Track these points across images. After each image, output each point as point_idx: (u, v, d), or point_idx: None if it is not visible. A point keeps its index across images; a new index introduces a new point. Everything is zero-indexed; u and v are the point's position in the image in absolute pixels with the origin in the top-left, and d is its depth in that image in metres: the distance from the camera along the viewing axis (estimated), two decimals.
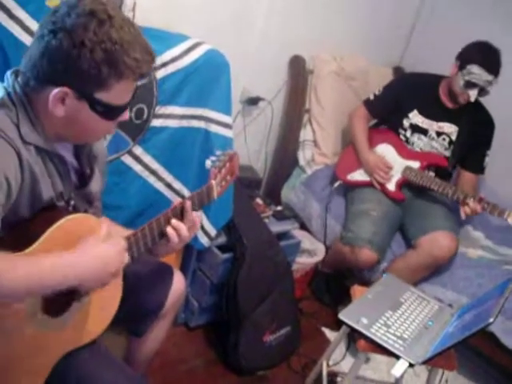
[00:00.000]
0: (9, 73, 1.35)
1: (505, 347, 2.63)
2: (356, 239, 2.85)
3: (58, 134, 1.36)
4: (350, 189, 3.23)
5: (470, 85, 2.88)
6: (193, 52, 2.18)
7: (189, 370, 2.57)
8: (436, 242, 2.81)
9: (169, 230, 1.55)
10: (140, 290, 1.74)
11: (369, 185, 3.13)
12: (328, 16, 3.42)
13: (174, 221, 1.56)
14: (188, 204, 1.58)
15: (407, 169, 3.08)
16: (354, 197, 3.16)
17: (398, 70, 4.01)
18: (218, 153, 1.79)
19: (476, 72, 2.84)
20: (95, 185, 1.55)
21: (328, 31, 3.47)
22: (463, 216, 2.85)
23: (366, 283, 2.85)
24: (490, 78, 2.83)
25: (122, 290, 1.59)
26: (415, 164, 3.08)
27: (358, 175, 3.19)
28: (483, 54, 2.87)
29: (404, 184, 3.10)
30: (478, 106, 3.10)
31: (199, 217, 1.64)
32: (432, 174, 3.09)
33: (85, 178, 1.52)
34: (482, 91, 2.90)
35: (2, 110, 1.26)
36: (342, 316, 1.93)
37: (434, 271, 2.88)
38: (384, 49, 3.98)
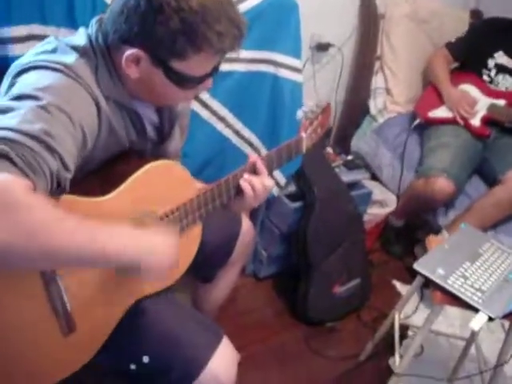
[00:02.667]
0: (94, 20, 1.29)
1: None
2: (431, 169, 2.77)
3: (134, 92, 1.31)
4: (427, 128, 3.12)
5: None
6: None
7: (258, 320, 2.57)
8: None
9: (243, 183, 1.48)
10: (208, 235, 1.71)
11: (451, 122, 3.02)
12: None
13: (248, 175, 1.48)
14: (258, 162, 1.50)
15: (492, 105, 2.97)
16: (431, 134, 3.06)
17: (475, 14, 3.79)
18: (311, 103, 1.69)
19: None
20: (173, 144, 1.51)
21: None
22: None
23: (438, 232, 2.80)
24: None
25: None
26: (501, 102, 2.96)
27: (440, 112, 3.08)
28: None
29: (488, 122, 2.98)
30: None
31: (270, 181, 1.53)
32: None
33: (163, 135, 1.48)
34: None
35: (83, 59, 1.21)
36: (417, 266, 1.85)
37: None
38: None
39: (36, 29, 1.73)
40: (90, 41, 1.24)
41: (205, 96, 2.09)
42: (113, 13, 1.20)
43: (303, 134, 1.62)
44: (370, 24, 3.27)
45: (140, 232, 1.16)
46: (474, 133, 2.96)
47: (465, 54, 3.17)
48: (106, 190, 1.24)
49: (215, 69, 1.29)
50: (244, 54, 2.12)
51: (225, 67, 2.09)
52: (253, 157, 1.52)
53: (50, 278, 1.16)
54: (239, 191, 1.49)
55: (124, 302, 1.37)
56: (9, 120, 1.01)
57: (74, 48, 1.21)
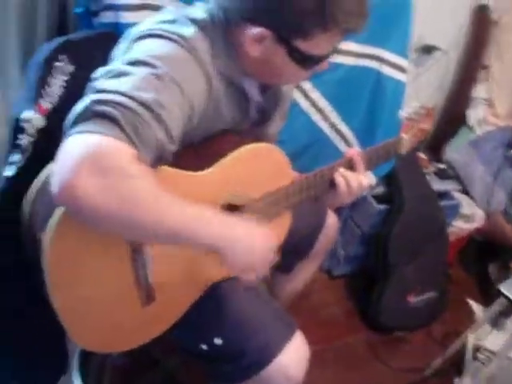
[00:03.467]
0: None
1: None
2: None
3: (247, 70, 1.29)
4: None
5: None
6: None
7: (326, 318, 2.55)
8: None
9: (338, 176, 1.45)
10: (293, 224, 1.68)
11: None
12: None
13: (344, 170, 1.45)
14: (356, 158, 1.47)
15: None
16: None
17: None
18: (415, 105, 1.65)
19: None
20: (273, 126, 1.49)
21: None
22: None
23: None
24: None
25: None
26: None
27: None
28: None
29: None
30: None
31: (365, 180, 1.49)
32: None
33: (265, 116, 1.45)
34: None
35: (201, 32, 1.19)
36: (503, 288, 1.78)
37: None
38: None
39: None
40: (210, 15, 1.23)
41: (307, 86, 2.07)
42: None
43: (404, 135, 1.58)
44: (481, 30, 3.15)
45: (233, 222, 1.15)
46: None
47: None
48: (201, 165, 1.23)
49: (335, 49, 1.26)
50: (352, 46, 2.08)
51: (332, 58, 2.05)
52: (351, 151, 1.49)
53: (138, 247, 1.17)
54: (333, 185, 1.46)
55: (203, 281, 1.37)
56: (122, 84, 1.01)
57: (193, 21, 1.20)
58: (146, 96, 1.01)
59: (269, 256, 1.22)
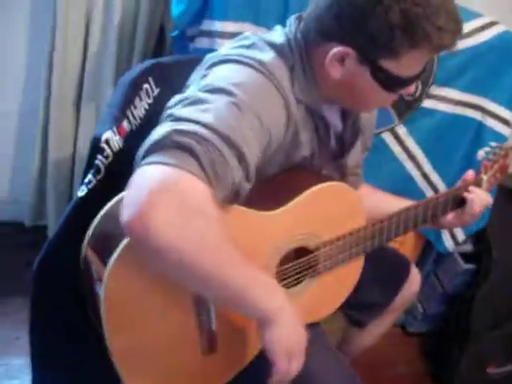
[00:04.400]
0: (293, 18, 1.22)
1: None
2: None
3: (327, 95, 1.21)
4: None
5: None
6: (486, 31, 1.93)
7: (394, 377, 2.38)
8: None
9: (468, 194, 1.46)
10: (372, 278, 1.56)
11: None
12: None
13: (474, 187, 1.47)
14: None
15: None
16: None
17: None
18: (493, 144, 1.57)
19: None
20: (353, 157, 1.39)
21: None
22: None
23: None
24: None
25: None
26: None
27: None
28: None
29: None
30: None
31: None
32: None
33: (344, 146, 1.36)
34: None
35: (280, 57, 1.13)
36: None
37: None
38: None
39: (247, 27, 1.72)
40: (288, 39, 1.16)
41: (401, 130, 1.98)
42: (318, 8, 1.12)
43: (484, 176, 1.52)
44: None
45: (282, 292, 1.06)
46: None
47: None
48: (272, 204, 1.16)
49: (423, 70, 1.17)
50: (452, 94, 1.98)
51: (429, 104, 1.98)
52: (471, 172, 1.52)
53: None
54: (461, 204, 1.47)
55: None
56: (202, 114, 0.96)
57: (271, 45, 1.15)
58: (228, 130, 0.95)
59: (302, 353, 1.08)
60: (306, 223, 1.22)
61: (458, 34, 1.10)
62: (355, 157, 1.40)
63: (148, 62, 1.40)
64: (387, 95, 1.19)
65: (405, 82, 1.16)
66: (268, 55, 1.12)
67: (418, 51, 1.08)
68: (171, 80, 1.35)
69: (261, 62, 1.09)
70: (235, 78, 1.05)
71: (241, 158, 0.97)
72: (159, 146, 0.91)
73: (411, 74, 1.15)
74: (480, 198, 1.45)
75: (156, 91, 1.35)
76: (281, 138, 1.13)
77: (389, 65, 1.10)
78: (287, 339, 1.03)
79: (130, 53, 2.07)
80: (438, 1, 1.05)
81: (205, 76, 1.10)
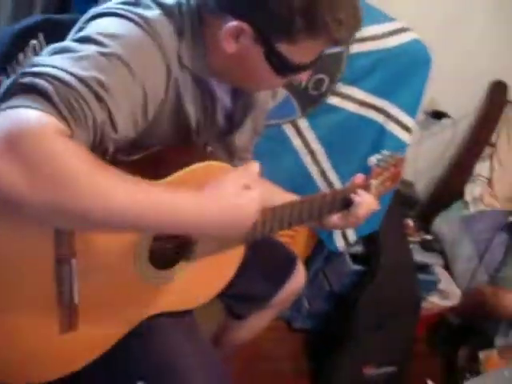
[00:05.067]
0: None
1: None
2: (504, 280, 2.57)
3: (217, 67, 1.15)
4: None
5: None
6: (396, 36, 1.94)
7: (274, 372, 2.37)
8: None
9: (355, 197, 1.44)
10: (256, 270, 1.55)
11: None
12: None
13: (360, 190, 1.46)
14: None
15: None
16: None
17: None
18: (386, 152, 1.58)
19: None
20: (241, 137, 1.34)
21: None
22: None
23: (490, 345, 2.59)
24: None
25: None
26: None
27: None
28: None
29: None
30: None
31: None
32: None
33: (233, 124, 1.31)
34: None
35: (167, 18, 1.06)
36: None
37: None
38: None
39: None
40: (180, 3, 1.10)
41: (303, 124, 1.95)
42: None
43: (373, 181, 1.52)
44: (494, 107, 3.06)
45: (206, 199, 1.01)
46: None
47: None
48: (151, 176, 1.05)
49: (316, 60, 1.14)
50: (358, 94, 1.98)
51: (334, 101, 1.96)
52: (360, 176, 1.51)
53: (63, 257, 1.00)
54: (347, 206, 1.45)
55: (137, 314, 1.22)
56: (62, 60, 0.89)
57: (160, 4, 1.07)
58: (88, 73, 0.88)
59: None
60: None
61: (355, 30, 1.08)
62: (244, 137, 1.35)
63: (38, 17, 1.30)
64: (277, 79, 1.14)
65: (297, 69, 1.12)
66: (153, 12, 1.04)
67: (314, 40, 1.05)
68: (63, 37, 1.26)
69: (144, 18, 1.02)
70: (111, 29, 0.98)
71: (101, 99, 0.90)
72: (9, 92, 0.84)
73: (304, 62, 1.11)
74: (366, 203, 1.45)
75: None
76: (160, 94, 1.06)
77: (283, 48, 1.06)
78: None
79: (28, 12, 1.95)
80: None
81: (81, 29, 1.03)
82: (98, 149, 0.94)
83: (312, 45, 1.07)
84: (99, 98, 0.89)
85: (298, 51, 1.07)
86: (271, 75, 1.12)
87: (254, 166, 1.13)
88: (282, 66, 1.10)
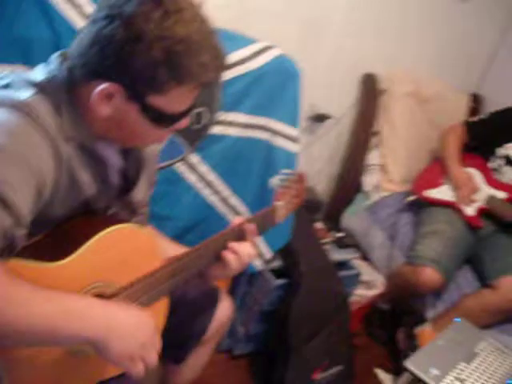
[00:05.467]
0: (54, 55, 1.16)
1: None
2: (420, 257, 2.63)
3: (100, 133, 1.17)
4: (421, 209, 2.99)
5: None
6: (262, 55, 2.00)
7: None
8: None
9: (227, 254, 1.37)
10: (182, 312, 1.56)
11: (444, 205, 2.90)
12: (403, 35, 3.21)
13: (233, 243, 1.37)
14: (251, 228, 1.39)
15: (491, 197, 2.84)
16: (424, 218, 2.92)
17: (477, 98, 3.76)
18: (285, 171, 1.63)
19: None
20: (139, 192, 1.36)
21: (403, 50, 3.26)
22: None
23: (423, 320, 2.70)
24: None
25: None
26: (501, 194, 2.85)
27: (436, 193, 2.96)
28: None
29: (484, 213, 2.86)
30: None
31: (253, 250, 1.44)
32: None
33: (129, 182, 1.33)
34: None
35: (41, 95, 1.07)
36: (409, 364, 1.70)
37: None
38: (461, 73, 3.73)
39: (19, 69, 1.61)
40: (51, 76, 1.11)
41: (194, 159, 1.98)
42: (81, 45, 1.08)
43: (278, 203, 1.55)
44: (369, 98, 3.20)
45: (101, 306, 1.03)
46: (467, 221, 2.83)
47: (481, 136, 3.05)
48: (60, 253, 1.08)
49: (193, 106, 1.17)
50: (239, 118, 2.01)
51: (218, 130, 1.99)
52: (238, 220, 1.43)
53: None
54: (219, 258, 1.38)
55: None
56: None
57: (31, 83, 1.08)
58: None
59: (155, 340, 1.11)
60: (96, 271, 1.15)
61: (222, 69, 1.13)
62: (141, 192, 1.37)
63: None
64: (159, 131, 1.17)
65: (176, 118, 1.15)
66: (27, 93, 1.05)
67: (184, 87, 1.08)
68: None
69: (18, 101, 1.02)
70: None
71: (5, 202, 0.90)
72: None
73: (181, 110, 1.14)
74: (239, 256, 1.38)
75: None
76: (53, 176, 1.07)
77: (156, 102, 1.09)
78: (126, 348, 1.03)
79: None
80: (201, 37, 1.06)
81: None
82: (12, 251, 0.95)
83: (183, 92, 1.10)
84: (5, 203, 0.90)
85: (172, 101, 1.10)
86: (152, 129, 1.14)
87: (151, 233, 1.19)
88: (161, 119, 1.12)
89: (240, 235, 1.40)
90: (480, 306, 2.57)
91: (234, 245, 1.37)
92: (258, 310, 2.44)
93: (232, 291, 2.39)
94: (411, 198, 3.01)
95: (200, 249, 1.32)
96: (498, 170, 2.92)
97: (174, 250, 1.42)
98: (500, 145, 2.94)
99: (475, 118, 3.10)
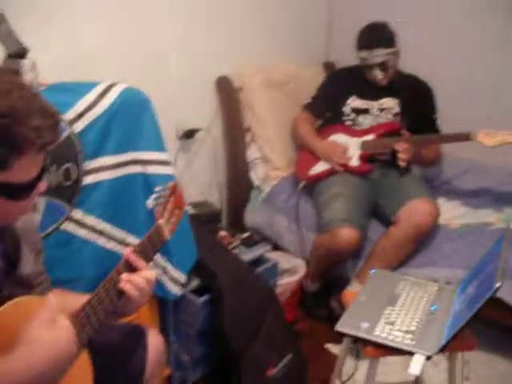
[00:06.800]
0: None
1: None
2: (332, 221, 2.74)
3: None
4: (315, 185, 3.11)
5: (369, 67, 3.01)
6: (108, 95, 2.01)
7: None
8: (415, 209, 2.72)
9: (124, 285, 1.35)
10: (114, 359, 1.55)
11: (333, 172, 3.04)
12: (241, 30, 3.34)
13: (124, 275, 1.36)
14: (131, 257, 1.39)
15: (364, 142, 3.05)
16: (321, 188, 3.04)
17: (328, 65, 3.94)
18: (158, 189, 1.63)
19: (365, 55, 2.98)
20: (26, 266, 1.35)
21: (246, 45, 3.39)
22: (401, 162, 2.85)
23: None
24: (382, 52, 2.93)
25: (95, 365, 1.41)
26: (370, 137, 3.06)
27: (320, 167, 3.10)
28: (365, 35, 3.02)
29: (367, 159, 3.04)
30: (410, 78, 3.20)
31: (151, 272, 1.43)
32: (388, 138, 3.03)
33: (11, 260, 1.31)
34: (384, 65, 2.97)
35: None
36: (339, 327, 1.77)
37: (419, 242, 2.78)
38: (308, 48, 3.91)
39: None
40: None
41: (78, 214, 1.96)
42: None
43: (160, 221, 1.55)
44: (230, 100, 3.28)
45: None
46: (356, 173, 3.00)
47: (323, 111, 3.26)
48: None
49: (44, 168, 1.18)
50: (107, 161, 2.01)
51: (90, 179, 1.98)
52: (125, 251, 1.41)
53: None
54: (122, 294, 1.36)
55: None
56: None
57: None
58: None
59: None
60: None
61: (57, 126, 1.13)
62: (30, 264, 1.36)
63: None
64: (21, 203, 1.17)
65: (31, 186, 1.15)
66: None
67: (26, 156, 1.09)
68: None
69: None
70: None
71: None
72: None
73: (32, 176, 1.14)
74: (135, 284, 1.36)
75: None
76: None
77: (6, 178, 1.09)
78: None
79: None
80: (24, 103, 1.07)
81: None
82: None
83: (27, 160, 1.10)
84: None
85: (19, 173, 1.10)
86: (13, 204, 1.14)
87: (49, 300, 1.19)
88: (16, 193, 1.12)
89: (132, 265, 1.40)
90: (391, 243, 2.73)
91: (126, 275, 1.36)
92: (194, 333, 2.45)
93: (162, 324, 2.39)
94: (301, 185, 3.12)
95: (99, 292, 1.31)
96: (355, 122, 3.13)
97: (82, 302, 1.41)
98: (344, 103, 3.16)
99: (309, 99, 3.31)
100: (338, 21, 4.03)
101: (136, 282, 1.35)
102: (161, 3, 2.81)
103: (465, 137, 2.76)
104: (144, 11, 2.74)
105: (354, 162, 3.03)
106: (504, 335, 2.73)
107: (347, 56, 3.32)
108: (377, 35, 2.98)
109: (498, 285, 1.48)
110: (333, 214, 2.77)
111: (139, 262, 1.39)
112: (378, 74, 2.99)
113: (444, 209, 3.01)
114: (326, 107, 3.23)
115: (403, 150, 2.83)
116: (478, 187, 3.20)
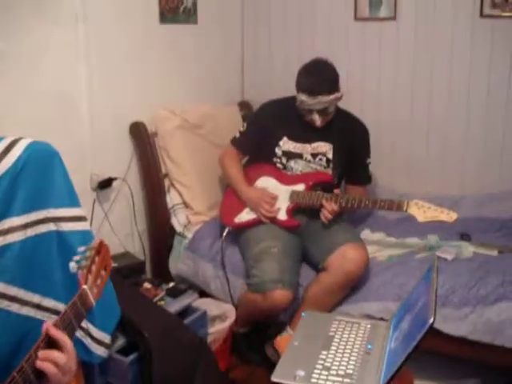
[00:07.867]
0: None
1: (449, 335, 2.53)
2: (265, 283, 2.63)
3: None
4: (241, 233, 3.02)
5: (308, 111, 2.84)
6: (12, 151, 1.88)
7: None
8: (345, 257, 2.67)
9: (42, 364, 1.24)
10: None
11: (260, 222, 2.94)
12: (154, 74, 3.31)
13: (41, 352, 1.24)
14: (52, 331, 1.28)
15: (293, 193, 2.94)
16: (248, 239, 2.93)
17: (243, 104, 3.94)
18: (81, 249, 1.55)
19: (305, 100, 2.79)
20: None
21: (159, 88, 3.36)
22: (323, 218, 2.79)
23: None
24: (325, 99, 2.77)
25: None
26: (300, 187, 2.95)
27: (246, 215, 3.00)
28: (305, 78, 2.84)
29: (295, 210, 2.95)
30: (345, 117, 3.07)
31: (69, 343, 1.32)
32: (319, 192, 2.92)
33: None
34: (325, 111, 2.84)
35: None
36: (275, 377, 1.69)
37: (351, 288, 2.73)
38: (223, 88, 3.91)
39: None
40: None
41: None
42: None
43: (85, 286, 1.47)
44: (144, 145, 3.20)
45: None
46: (284, 227, 2.91)
47: (251, 147, 3.12)
48: None
49: None
50: (15, 222, 1.87)
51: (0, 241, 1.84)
52: (44, 326, 1.29)
53: None
54: (41, 374, 1.24)
55: None
56: None
57: None
58: None
59: None
60: None
61: None
62: None
63: None
64: None
65: None
66: None
67: None
68: None
69: None
70: None
71: None
72: None
73: None
74: (53, 361, 1.26)
75: None
76: None
77: None
78: None
79: None
80: None
81: None
82: None
83: None
84: None
85: None
86: None
87: None
88: None
89: (51, 340, 1.29)
90: (321, 289, 2.67)
91: (42, 352, 1.25)
92: None
93: None
94: (226, 231, 3.01)
95: (15, 376, 1.19)
96: (286, 167, 3.02)
97: None
98: (276, 144, 3.02)
99: (237, 134, 3.15)
100: (253, 60, 4.06)
101: (51, 358, 1.25)
102: (69, 50, 2.75)
103: (397, 206, 2.71)
104: (53, 58, 2.67)
105: (282, 215, 2.93)
106: (440, 361, 2.72)
107: (262, 94, 3.32)
108: (318, 80, 2.78)
109: (431, 320, 1.44)
110: (264, 275, 2.66)
111: (62, 337, 1.29)
112: (317, 120, 2.85)
113: (370, 241, 3.01)
114: (256, 144, 3.07)
115: (331, 210, 2.77)
116: (400, 216, 3.22)
